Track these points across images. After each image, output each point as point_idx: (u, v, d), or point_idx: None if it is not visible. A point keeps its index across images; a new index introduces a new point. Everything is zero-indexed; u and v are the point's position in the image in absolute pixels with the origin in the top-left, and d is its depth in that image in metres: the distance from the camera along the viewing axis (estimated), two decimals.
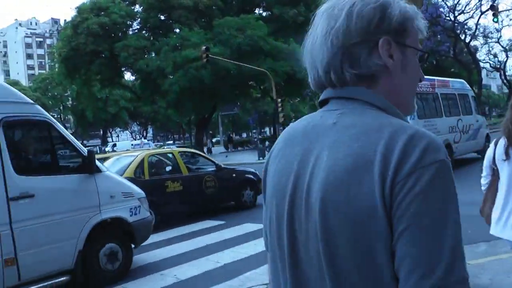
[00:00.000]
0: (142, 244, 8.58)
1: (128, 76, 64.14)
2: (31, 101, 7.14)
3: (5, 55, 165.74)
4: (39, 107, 7.21)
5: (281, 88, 47.94)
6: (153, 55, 50.40)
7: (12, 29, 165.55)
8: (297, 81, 48.07)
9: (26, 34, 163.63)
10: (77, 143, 7.65)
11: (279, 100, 34.97)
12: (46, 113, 7.28)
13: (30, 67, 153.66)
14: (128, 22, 53.99)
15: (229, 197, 14.17)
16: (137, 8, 54.72)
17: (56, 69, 58.65)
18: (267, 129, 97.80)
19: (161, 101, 55.41)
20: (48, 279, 6.68)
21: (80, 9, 52.05)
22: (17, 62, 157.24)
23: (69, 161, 8.00)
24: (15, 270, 6.23)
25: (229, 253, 8.89)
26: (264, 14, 57.22)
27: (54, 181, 6.97)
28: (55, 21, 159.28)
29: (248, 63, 39.47)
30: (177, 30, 51.89)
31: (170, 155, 13.90)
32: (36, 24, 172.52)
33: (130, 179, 10.78)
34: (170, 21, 53.26)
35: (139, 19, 54.64)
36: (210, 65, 39.80)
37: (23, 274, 6.32)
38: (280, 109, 34.40)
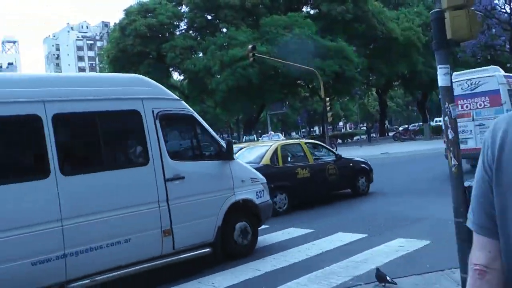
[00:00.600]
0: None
1: (176, 76, 64.66)
2: (178, 98, 8.38)
3: (57, 57, 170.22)
4: (184, 103, 8.40)
5: (329, 86, 47.21)
6: (200, 54, 50.42)
7: (64, 33, 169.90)
8: (345, 79, 47.32)
9: (77, 37, 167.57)
10: (215, 134, 8.83)
11: (328, 99, 34.32)
12: (190, 108, 8.37)
13: (81, 69, 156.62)
14: (175, 23, 54.34)
15: (347, 185, 15.05)
16: (184, 8, 54.91)
17: (106, 71, 59.50)
18: (316, 128, 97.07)
19: (209, 100, 55.46)
20: (195, 250, 7.81)
21: (128, 12, 52.63)
22: (69, 64, 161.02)
23: (201, 149, 8.91)
24: (171, 240, 7.37)
25: (271, 260, 8.34)
26: (311, 12, 56.62)
27: (199, 166, 8.21)
28: (105, 24, 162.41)
29: (296, 62, 38.97)
30: (224, 30, 51.74)
31: (297, 145, 15.08)
32: (87, 27, 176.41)
33: (267, 165, 12.60)
34: (217, 21, 53.24)
35: (185, 19, 54.90)
36: (257, 64, 39.44)
37: (176, 243, 7.45)
38: (328, 108, 33.75)
